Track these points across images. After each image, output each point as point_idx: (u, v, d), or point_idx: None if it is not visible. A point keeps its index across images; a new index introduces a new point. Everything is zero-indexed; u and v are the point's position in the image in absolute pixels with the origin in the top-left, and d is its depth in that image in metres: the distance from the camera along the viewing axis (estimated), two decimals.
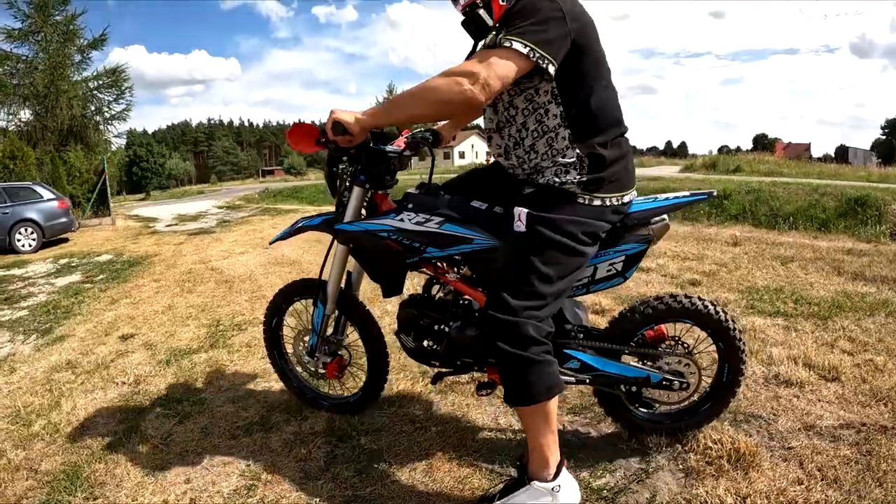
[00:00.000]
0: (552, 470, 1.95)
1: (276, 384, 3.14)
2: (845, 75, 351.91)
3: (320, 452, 2.51)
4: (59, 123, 19.67)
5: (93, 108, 21.19)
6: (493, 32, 1.86)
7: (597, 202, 1.95)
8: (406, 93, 1.89)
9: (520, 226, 1.92)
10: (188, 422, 2.88)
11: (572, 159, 1.92)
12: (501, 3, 1.83)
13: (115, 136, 22.68)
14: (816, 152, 77.23)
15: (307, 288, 2.76)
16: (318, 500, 2.20)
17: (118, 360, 3.88)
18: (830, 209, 9.29)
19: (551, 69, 1.76)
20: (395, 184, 2.37)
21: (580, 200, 1.94)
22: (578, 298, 2.45)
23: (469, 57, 1.94)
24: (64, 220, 12.62)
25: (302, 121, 2.27)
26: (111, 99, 21.60)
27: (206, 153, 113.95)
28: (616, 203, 1.99)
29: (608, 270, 2.15)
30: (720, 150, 72.26)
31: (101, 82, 21.39)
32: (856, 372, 3.01)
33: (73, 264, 8.83)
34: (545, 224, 1.90)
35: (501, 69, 1.73)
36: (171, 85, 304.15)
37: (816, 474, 2.16)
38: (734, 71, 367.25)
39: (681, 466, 2.26)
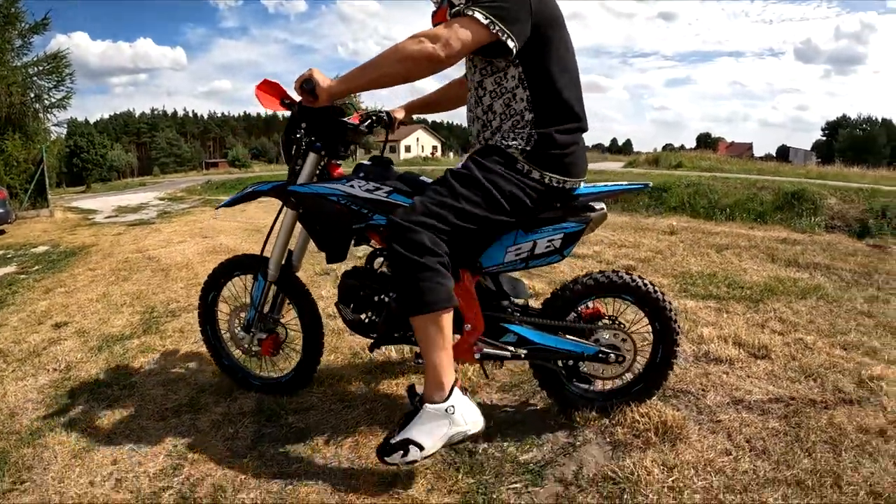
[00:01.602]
0: (446, 392, 1.95)
1: (208, 367, 3.08)
2: (789, 79, 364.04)
3: (248, 431, 2.48)
4: None
5: (32, 95, 20.32)
6: (461, 4, 1.95)
7: (535, 174, 2.04)
8: (373, 58, 1.96)
9: (458, 165, 2.07)
10: (117, 405, 2.80)
11: (523, 131, 2.04)
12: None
13: (55, 125, 21.81)
14: (758, 152, 79.87)
15: (247, 264, 2.73)
16: (243, 477, 2.16)
17: (50, 348, 3.74)
18: (768, 202, 9.54)
19: (511, 44, 1.86)
20: (348, 156, 2.49)
21: (518, 166, 2.03)
22: (516, 275, 2.49)
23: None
24: (0, 211, 12.16)
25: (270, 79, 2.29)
26: (51, 86, 20.72)
27: (149, 144, 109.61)
28: (555, 185, 2.06)
29: (546, 247, 2.19)
30: (664, 147, 73.79)
31: (40, 68, 20.45)
32: (786, 350, 3.09)
33: (8, 256, 8.47)
34: (478, 166, 2.02)
35: (462, 33, 1.84)
36: (114, 74, 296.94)
37: (745, 445, 2.21)
38: (680, 72, 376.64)
39: (608, 440, 2.28)
